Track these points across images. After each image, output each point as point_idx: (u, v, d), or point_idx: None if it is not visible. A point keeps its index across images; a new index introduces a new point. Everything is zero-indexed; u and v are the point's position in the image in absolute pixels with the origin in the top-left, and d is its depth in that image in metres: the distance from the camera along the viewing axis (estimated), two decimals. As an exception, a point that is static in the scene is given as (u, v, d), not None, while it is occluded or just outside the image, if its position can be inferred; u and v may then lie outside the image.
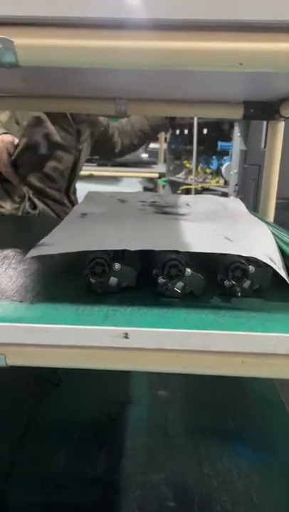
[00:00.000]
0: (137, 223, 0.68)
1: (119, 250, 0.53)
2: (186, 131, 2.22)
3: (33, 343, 0.43)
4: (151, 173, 2.73)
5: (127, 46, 0.36)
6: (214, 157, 1.98)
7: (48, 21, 0.37)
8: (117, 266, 0.51)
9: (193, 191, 2.16)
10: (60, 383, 0.92)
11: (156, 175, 2.68)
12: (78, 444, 0.75)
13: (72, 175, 1.38)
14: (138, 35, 0.36)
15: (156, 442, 0.76)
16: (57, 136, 1.26)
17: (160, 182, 2.64)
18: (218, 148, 1.90)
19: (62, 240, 0.58)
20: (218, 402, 0.86)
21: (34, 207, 1.28)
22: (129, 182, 3.90)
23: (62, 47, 0.37)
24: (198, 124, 1.99)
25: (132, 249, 0.52)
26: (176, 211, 0.82)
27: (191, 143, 2.07)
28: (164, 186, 2.65)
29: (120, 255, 0.54)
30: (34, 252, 0.53)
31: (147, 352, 0.43)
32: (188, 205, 0.90)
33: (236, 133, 1.71)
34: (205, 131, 2.01)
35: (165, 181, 2.58)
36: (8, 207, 1.27)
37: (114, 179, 3.90)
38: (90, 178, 2.60)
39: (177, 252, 0.51)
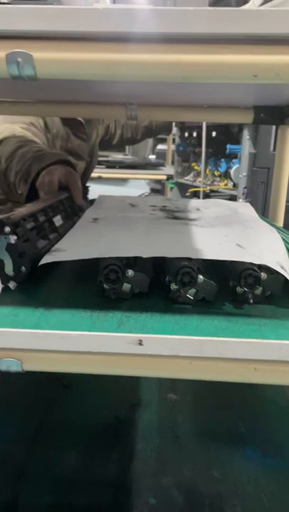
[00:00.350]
0: (148, 229, 0.69)
1: (132, 257, 0.54)
2: (194, 134, 2.22)
3: (50, 349, 0.44)
4: (160, 175, 2.74)
5: (144, 59, 0.37)
6: (223, 160, 1.99)
7: (67, 35, 0.37)
8: (130, 272, 0.52)
9: (201, 194, 2.16)
10: (71, 385, 0.93)
11: (165, 177, 2.69)
12: (89, 445, 0.76)
13: (84, 180, 1.39)
14: (154, 49, 0.37)
15: (166, 445, 0.77)
16: (76, 146, 1.26)
17: (168, 184, 2.64)
18: (227, 151, 1.90)
19: (76, 246, 0.59)
20: (227, 406, 0.87)
21: None
22: (137, 183, 3.91)
23: (81, 60, 0.38)
24: (207, 126, 1.99)
25: (144, 256, 0.53)
26: (186, 216, 0.83)
27: (200, 145, 2.07)
28: (171, 188, 2.65)
29: (133, 261, 0.55)
30: (48, 258, 0.54)
31: (161, 358, 0.44)
32: (198, 209, 0.91)
33: (245, 136, 1.71)
34: (214, 133, 2.02)
35: (173, 183, 2.59)
36: None
37: (122, 180, 3.91)
38: (98, 179, 2.61)
39: (190, 258, 0.52)
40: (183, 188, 2.46)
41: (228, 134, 1.97)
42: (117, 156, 2.92)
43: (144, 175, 2.89)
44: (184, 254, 0.52)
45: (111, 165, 2.74)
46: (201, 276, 0.50)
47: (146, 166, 2.84)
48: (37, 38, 0.38)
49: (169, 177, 2.61)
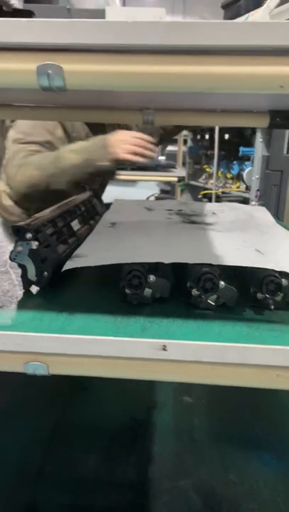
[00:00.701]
0: (167, 234, 0.70)
1: (153, 262, 0.55)
2: (206, 136, 2.23)
3: (76, 354, 0.45)
4: (170, 177, 2.74)
5: (173, 71, 0.37)
6: (235, 162, 1.99)
7: (96, 47, 0.38)
8: (152, 278, 0.53)
9: (213, 196, 2.16)
10: (88, 387, 0.94)
11: (175, 179, 2.69)
12: (107, 447, 0.77)
13: (106, 179, 1.41)
14: (182, 61, 0.38)
15: (183, 448, 0.77)
16: None
17: (179, 186, 2.65)
18: (240, 153, 1.90)
19: (96, 252, 0.60)
20: (244, 410, 0.87)
21: None
22: (147, 184, 3.92)
23: (109, 72, 0.39)
24: (220, 129, 2.00)
25: (166, 262, 0.53)
26: (203, 220, 0.83)
27: (212, 147, 2.07)
28: (183, 190, 2.66)
29: (153, 267, 0.56)
30: (70, 265, 0.55)
31: (184, 364, 0.44)
32: (214, 213, 0.91)
33: (258, 138, 1.71)
34: (226, 136, 2.02)
35: (184, 185, 2.59)
36: None
37: (132, 182, 3.93)
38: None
39: (211, 265, 0.52)
40: (194, 190, 2.46)
41: (241, 137, 1.97)
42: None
43: (155, 176, 2.90)
44: (205, 260, 0.53)
45: (122, 167, 2.74)
46: (222, 282, 0.51)
47: (157, 167, 2.85)
48: (67, 50, 0.39)
49: (181, 179, 2.61)
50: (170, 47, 0.37)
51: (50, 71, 0.39)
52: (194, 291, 0.52)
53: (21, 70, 0.39)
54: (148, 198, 3.04)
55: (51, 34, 0.38)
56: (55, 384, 0.94)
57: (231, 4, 2.04)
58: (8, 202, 1.21)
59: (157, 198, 3.52)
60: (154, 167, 2.80)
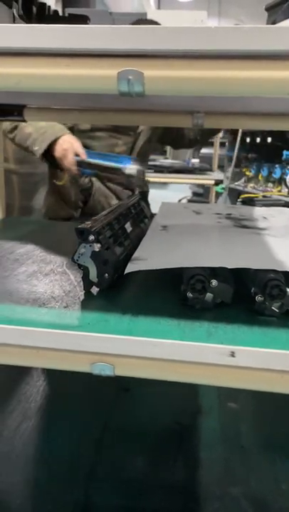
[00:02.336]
0: (222, 238, 0.70)
1: (214, 267, 0.54)
2: (247, 139, 2.20)
3: (142, 356, 0.45)
4: (207, 179, 2.72)
5: (256, 76, 0.37)
6: (277, 166, 1.96)
7: (178, 53, 0.39)
8: (214, 282, 0.52)
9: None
10: (130, 388, 0.95)
11: (212, 181, 2.67)
12: (154, 450, 0.77)
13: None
14: (266, 66, 0.37)
15: (230, 454, 0.76)
16: None
17: (217, 189, 2.63)
18: (284, 157, 1.87)
19: (155, 255, 0.60)
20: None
21: (91, 184, 1.33)
22: (178, 186, 3.91)
23: (190, 78, 0.39)
24: (262, 132, 1.97)
25: (229, 267, 0.53)
26: (255, 225, 0.82)
27: (253, 151, 2.05)
28: (220, 193, 2.64)
29: (213, 272, 0.56)
30: (132, 267, 0.55)
31: (252, 371, 0.44)
32: (265, 218, 0.90)
33: (302, 142, 1.67)
34: (269, 139, 1.99)
35: (223, 188, 2.57)
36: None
37: (163, 183, 3.93)
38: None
39: (275, 271, 0.52)
40: (233, 194, 2.44)
41: (285, 141, 1.94)
42: (165, 161, 2.93)
43: (189, 179, 2.88)
44: (269, 266, 0.52)
45: (159, 169, 2.75)
46: (288, 289, 0.50)
47: (193, 170, 2.84)
48: (147, 56, 0.39)
49: (218, 182, 2.59)
50: (253, 52, 0.37)
51: (130, 77, 0.39)
52: (258, 298, 0.51)
53: (102, 75, 0.40)
54: (180, 201, 3.03)
55: (132, 41, 0.39)
56: (98, 385, 0.95)
57: (277, 6, 2.02)
58: None
59: (189, 201, 3.51)
60: (190, 170, 2.80)
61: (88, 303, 0.54)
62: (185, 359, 0.44)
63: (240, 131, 1.93)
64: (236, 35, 0.37)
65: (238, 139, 2.23)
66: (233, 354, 0.44)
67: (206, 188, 3.23)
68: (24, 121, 1.01)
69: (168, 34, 0.38)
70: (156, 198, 1.51)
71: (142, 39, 0.39)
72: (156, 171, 2.70)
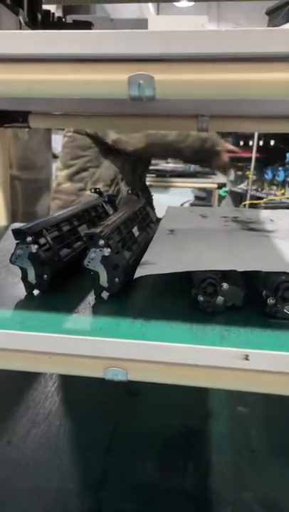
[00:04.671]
0: (230, 241, 0.69)
1: (224, 270, 0.54)
2: (250, 143, 2.21)
3: (155, 360, 0.45)
4: (210, 183, 2.73)
5: (268, 79, 0.37)
6: (281, 168, 1.96)
7: (188, 57, 0.39)
8: (225, 286, 0.52)
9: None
10: (139, 393, 0.95)
11: (215, 185, 2.67)
12: (163, 456, 0.77)
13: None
14: (278, 68, 0.37)
15: (241, 459, 0.76)
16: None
17: (220, 193, 2.63)
18: (287, 159, 1.87)
19: (164, 259, 0.60)
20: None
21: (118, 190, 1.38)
22: (180, 191, 3.91)
23: (201, 81, 0.39)
24: (265, 135, 1.97)
25: (239, 270, 0.53)
26: (262, 227, 0.82)
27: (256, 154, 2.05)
28: (223, 197, 2.64)
29: (224, 275, 0.55)
30: (142, 272, 0.55)
31: (266, 374, 0.44)
32: (272, 220, 0.90)
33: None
34: (272, 142, 1.99)
35: (226, 192, 2.57)
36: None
37: (164, 188, 3.93)
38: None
39: (287, 273, 0.52)
40: (236, 197, 2.43)
41: (288, 143, 1.94)
42: (167, 165, 2.94)
43: (192, 183, 2.89)
44: (280, 268, 0.52)
45: (161, 173, 2.76)
46: (300, 292, 0.50)
47: (195, 174, 2.84)
48: (157, 60, 0.39)
49: (221, 185, 2.59)
50: (264, 54, 0.37)
51: (141, 81, 0.39)
52: (270, 300, 0.51)
53: (113, 80, 0.40)
54: (182, 205, 3.04)
55: (143, 45, 0.39)
56: (106, 390, 0.95)
57: (277, 10, 2.03)
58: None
59: (192, 205, 3.51)
60: (193, 173, 2.80)
61: (99, 308, 0.54)
62: (199, 363, 0.44)
63: (255, 135, 1.93)
64: (247, 37, 0.37)
65: (241, 143, 2.24)
66: (247, 357, 0.43)
67: (209, 192, 3.23)
68: (29, 127, 1.02)
69: (178, 38, 0.38)
70: (159, 203, 1.51)
71: (152, 43, 0.39)
72: (158, 175, 2.71)
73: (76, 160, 1.47)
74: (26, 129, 1.29)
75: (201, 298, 0.53)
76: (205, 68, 0.39)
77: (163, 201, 1.45)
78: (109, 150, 1.41)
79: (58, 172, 1.54)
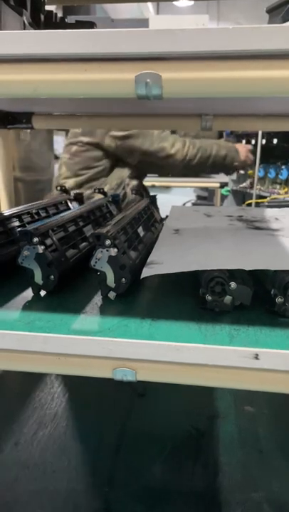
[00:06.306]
0: (236, 240, 0.69)
1: (231, 269, 0.54)
2: (253, 141, 2.20)
3: (164, 360, 0.45)
4: (212, 182, 2.72)
5: (277, 75, 0.37)
6: (284, 167, 1.95)
7: (195, 55, 0.38)
8: (233, 285, 0.52)
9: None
10: (145, 394, 0.94)
11: (217, 184, 2.67)
12: (172, 456, 0.76)
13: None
14: (284, 65, 0.37)
15: (250, 459, 0.76)
16: None
17: (223, 192, 2.62)
18: (290, 158, 1.86)
19: (171, 258, 0.60)
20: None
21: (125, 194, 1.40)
22: (182, 190, 3.90)
23: (209, 79, 0.39)
24: (268, 133, 1.97)
25: (247, 269, 0.53)
26: (267, 226, 0.82)
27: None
28: (226, 196, 2.63)
29: (231, 274, 0.55)
30: (149, 272, 0.55)
31: (276, 373, 0.43)
32: (277, 219, 0.89)
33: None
34: (275, 140, 1.99)
35: (228, 191, 2.57)
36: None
37: (165, 187, 3.92)
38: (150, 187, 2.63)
39: (295, 272, 0.51)
40: (238, 196, 2.43)
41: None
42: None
43: (195, 183, 2.88)
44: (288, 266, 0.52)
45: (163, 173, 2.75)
46: (309, 290, 0.49)
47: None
48: (165, 58, 0.39)
49: (223, 184, 2.59)
50: (273, 51, 0.37)
51: (148, 80, 0.39)
52: (279, 299, 0.51)
53: (120, 79, 0.40)
54: (184, 204, 3.03)
55: (150, 43, 0.39)
56: (113, 390, 0.95)
57: (278, 8, 2.02)
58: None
59: (194, 204, 3.50)
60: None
61: (106, 308, 0.54)
62: (208, 363, 0.44)
63: (259, 133, 1.93)
64: (255, 34, 0.37)
65: (244, 141, 2.23)
66: (257, 356, 0.43)
67: (211, 191, 3.22)
68: (33, 128, 1.02)
69: (186, 35, 0.38)
70: (161, 202, 1.52)
71: (159, 41, 0.38)
72: (160, 176, 2.70)
73: (88, 170, 1.49)
74: (28, 131, 1.29)
75: (209, 297, 0.52)
76: (213, 66, 0.39)
77: (165, 201, 1.46)
78: (119, 160, 1.45)
79: (63, 179, 1.54)
